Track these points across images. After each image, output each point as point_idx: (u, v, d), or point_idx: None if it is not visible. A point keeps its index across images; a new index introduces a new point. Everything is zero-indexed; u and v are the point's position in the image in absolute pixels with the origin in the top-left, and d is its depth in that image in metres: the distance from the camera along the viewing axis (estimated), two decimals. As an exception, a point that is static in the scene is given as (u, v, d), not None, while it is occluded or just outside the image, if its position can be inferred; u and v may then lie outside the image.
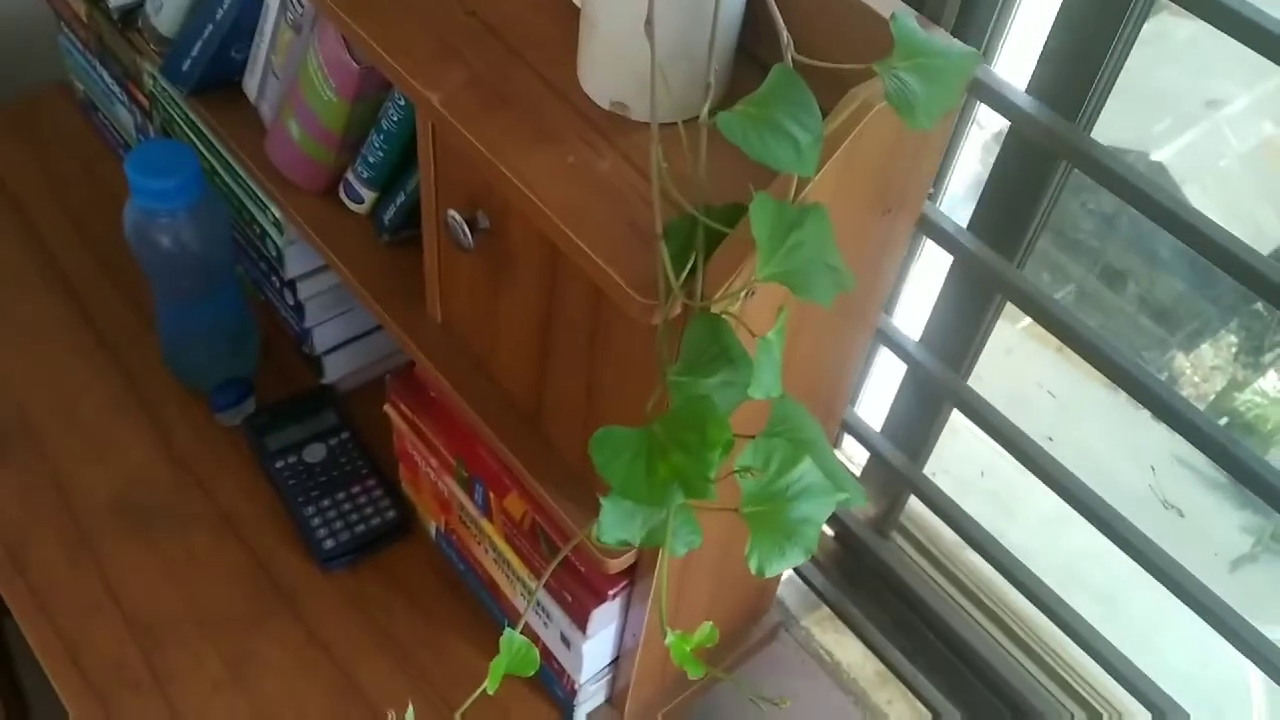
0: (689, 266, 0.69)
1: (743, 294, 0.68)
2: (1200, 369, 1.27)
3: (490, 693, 0.72)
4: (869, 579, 1.19)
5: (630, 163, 0.76)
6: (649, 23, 0.67)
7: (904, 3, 0.77)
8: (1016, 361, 1.17)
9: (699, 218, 0.67)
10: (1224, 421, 1.26)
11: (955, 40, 0.70)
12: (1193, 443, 0.78)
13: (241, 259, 1.31)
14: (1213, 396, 1.28)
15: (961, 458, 1.15)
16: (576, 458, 0.92)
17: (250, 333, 1.32)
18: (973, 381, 1.00)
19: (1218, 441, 0.77)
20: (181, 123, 1.25)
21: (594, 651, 1.02)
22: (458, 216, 0.87)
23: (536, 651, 0.72)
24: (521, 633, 0.70)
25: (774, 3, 0.67)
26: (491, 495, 1.03)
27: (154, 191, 1.11)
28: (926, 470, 1.09)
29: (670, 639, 0.62)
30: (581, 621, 0.98)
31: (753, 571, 0.61)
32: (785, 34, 0.67)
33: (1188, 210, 0.70)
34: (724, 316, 0.67)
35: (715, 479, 0.60)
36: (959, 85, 0.62)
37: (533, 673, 0.71)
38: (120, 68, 1.35)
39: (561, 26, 0.83)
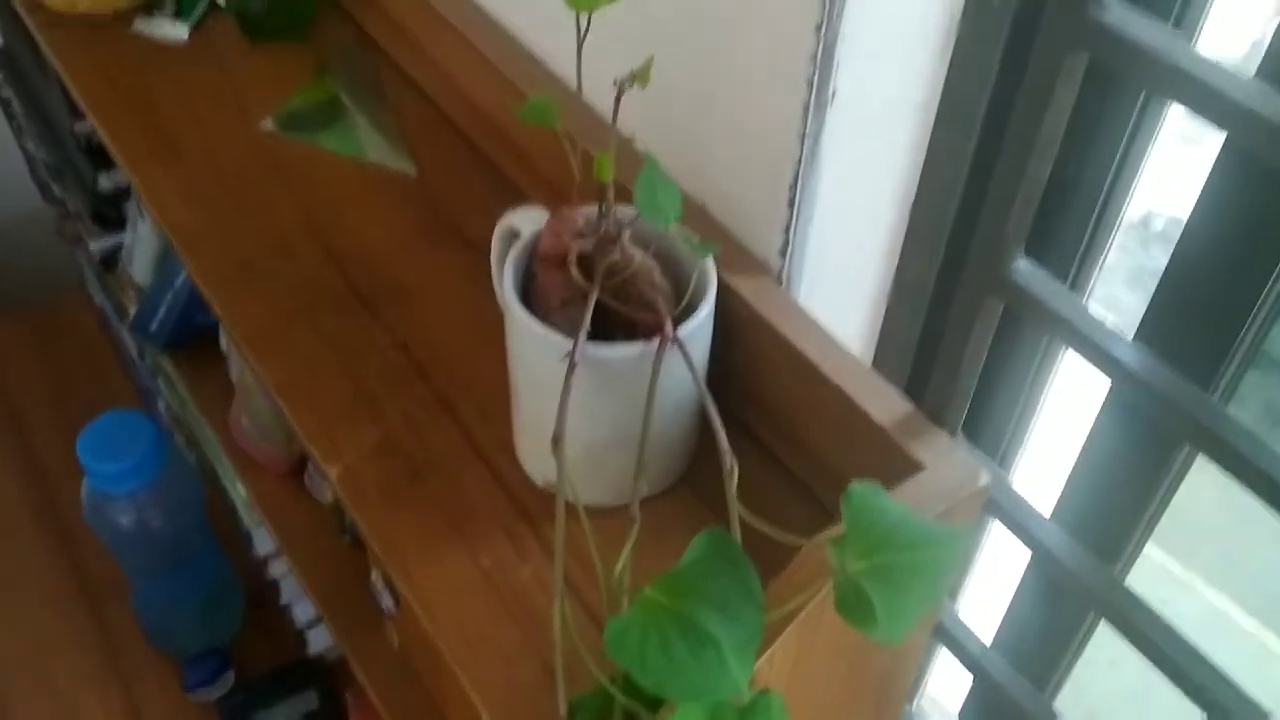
0: (604, 754, 0.53)
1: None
2: None
3: None
4: None
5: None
6: (557, 440, 0.53)
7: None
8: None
9: (615, 695, 0.52)
10: None
11: (957, 477, 0.54)
12: None
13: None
14: None
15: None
16: None
17: (232, 595, 1.20)
18: None
19: None
20: (165, 372, 1.16)
21: None
22: (379, 582, 0.73)
23: None
24: None
25: (719, 423, 0.52)
26: None
27: (109, 474, 1.00)
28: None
29: None
30: None
31: None
32: (730, 459, 0.51)
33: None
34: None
35: None
36: (940, 584, 0.45)
37: None
38: (115, 303, 1.27)
39: (506, 366, 0.69)
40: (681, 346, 0.55)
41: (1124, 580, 0.66)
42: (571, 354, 0.54)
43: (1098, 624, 0.72)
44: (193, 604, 1.16)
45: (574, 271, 0.57)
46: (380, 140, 0.87)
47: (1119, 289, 0.64)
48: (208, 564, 1.15)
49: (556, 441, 0.53)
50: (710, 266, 0.58)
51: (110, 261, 1.16)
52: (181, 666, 1.17)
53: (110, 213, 1.13)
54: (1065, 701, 0.77)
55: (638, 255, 0.58)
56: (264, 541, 1.08)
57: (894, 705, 0.69)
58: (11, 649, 1.21)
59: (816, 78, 0.54)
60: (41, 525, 1.32)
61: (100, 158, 1.09)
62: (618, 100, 0.53)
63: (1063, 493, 0.67)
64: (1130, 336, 0.56)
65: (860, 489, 0.45)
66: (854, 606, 0.44)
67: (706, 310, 0.57)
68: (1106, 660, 0.75)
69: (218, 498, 1.17)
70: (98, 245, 1.15)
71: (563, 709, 0.52)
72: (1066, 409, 0.71)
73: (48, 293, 1.57)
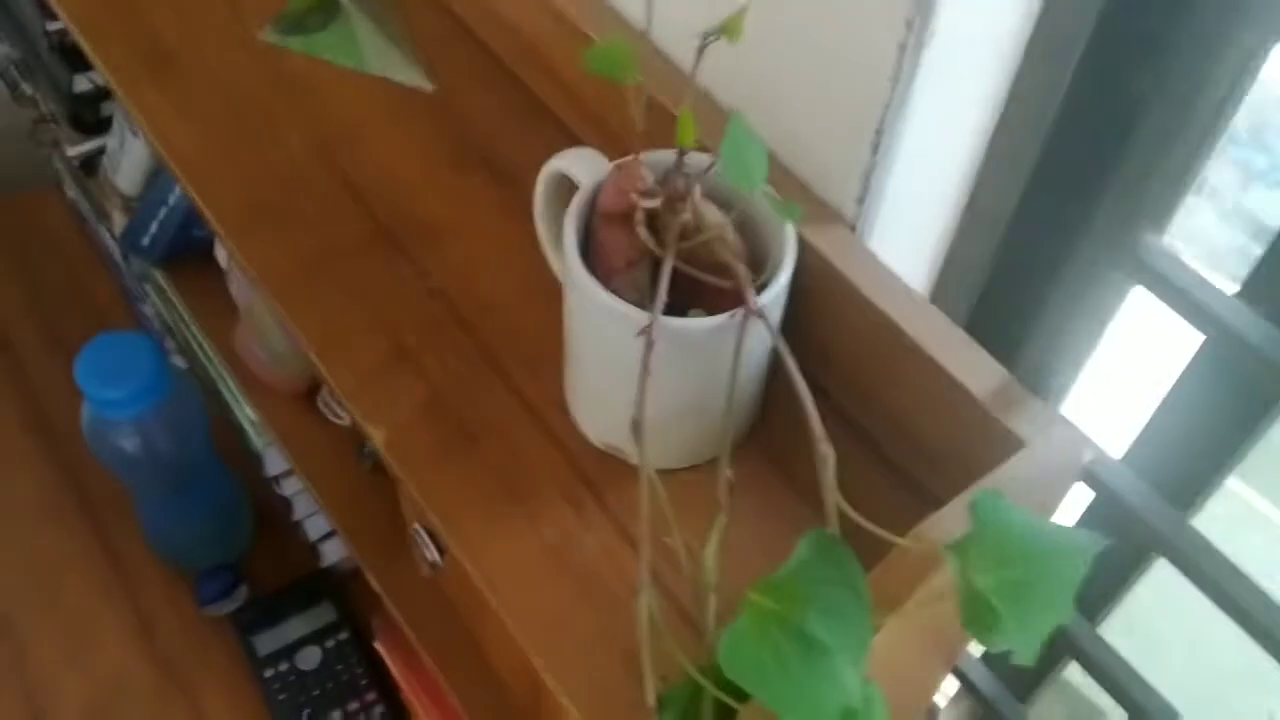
0: (694, 744, 0.51)
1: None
2: None
3: None
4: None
5: (627, 537, 0.59)
6: (637, 426, 0.50)
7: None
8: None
9: (705, 685, 0.50)
10: None
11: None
12: None
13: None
14: None
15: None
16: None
17: (240, 512, 1.18)
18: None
19: None
20: (156, 283, 1.10)
21: None
22: (423, 532, 0.70)
23: None
24: None
25: (813, 407, 0.49)
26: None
27: (111, 401, 0.96)
28: None
29: None
30: None
31: None
32: (825, 447, 0.48)
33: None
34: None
35: None
36: (1071, 594, 0.43)
37: None
38: (93, 205, 1.20)
39: (552, 313, 0.62)
40: (764, 318, 0.52)
41: (1190, 520, 0.65)
42: (648, 331, 0.50)
43: (1156, 560, 0.71)
44: (199, 522, 1.13)
45: (643, 232, 0.53)
46: (386, 48, 0.80)
47: (1208, 219, 0.60)
48: (214, 482, 1.12)
49: (636, 427, 0.50)
50: (791, 228, 0.54)
51: (90, 166, 1.09)
52: (194, 582, 1.15)
53: (88, 116, 1.06)
54: (1112, 628, 0.77)
55: (712, 215, 0.53)
56: (275, 462, 1.04)
57: (959, 654, 0.68)
58: (16, 568, 1.18)
59: (918, 18, 0.49)
60: (33, 438, 1.28)
61: (75, 58, 1.01)
62: (699, 55, 0.48)
63: (1137, 439, 0.65)
64: (1217, 271, 0.54)
65: (986, 499, 0.42)
66: (982, 623, 0.41)
67: (786, 276, 0.53)
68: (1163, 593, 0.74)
69: (220, 413, 1.13)
70: (76, 150, 1.08)
71: (651, 700, 0.50)
72: (1126, 342, 0.68)
73: (17, 189, 1.49)
